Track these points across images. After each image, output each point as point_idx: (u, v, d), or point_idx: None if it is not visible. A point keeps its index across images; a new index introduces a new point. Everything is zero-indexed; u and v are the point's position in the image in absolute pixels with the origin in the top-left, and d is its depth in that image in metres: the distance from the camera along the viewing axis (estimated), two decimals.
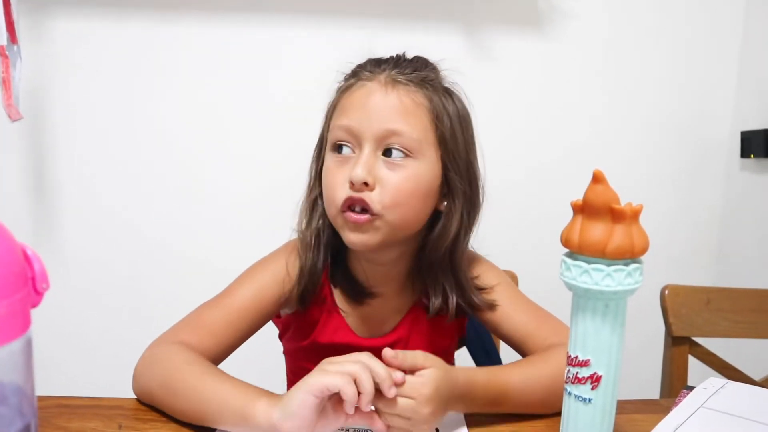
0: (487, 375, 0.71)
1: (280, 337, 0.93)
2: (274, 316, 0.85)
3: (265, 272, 0.82)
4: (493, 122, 1.58)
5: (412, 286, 0.87)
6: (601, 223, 0.53)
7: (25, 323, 0.40)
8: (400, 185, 0.75)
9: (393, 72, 0.78)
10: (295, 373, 0.93)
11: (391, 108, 0.75)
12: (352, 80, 0.80)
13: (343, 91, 0.80)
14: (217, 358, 0.78)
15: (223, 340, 0.77)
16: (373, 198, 0.74)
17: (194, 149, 1.52)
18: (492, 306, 0.84)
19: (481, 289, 0.85)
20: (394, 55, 0.82)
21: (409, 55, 0.82)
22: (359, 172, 0.73)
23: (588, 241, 0.53)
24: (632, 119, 1.62)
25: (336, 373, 0.60)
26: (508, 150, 1.58)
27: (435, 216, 0.82)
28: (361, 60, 0.83)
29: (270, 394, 0.64)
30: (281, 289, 0.82)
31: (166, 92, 1.49)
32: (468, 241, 0.84)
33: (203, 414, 0.66)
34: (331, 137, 0.78)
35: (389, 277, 0.85)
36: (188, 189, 1.53)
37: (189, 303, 0.82)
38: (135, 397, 0.74)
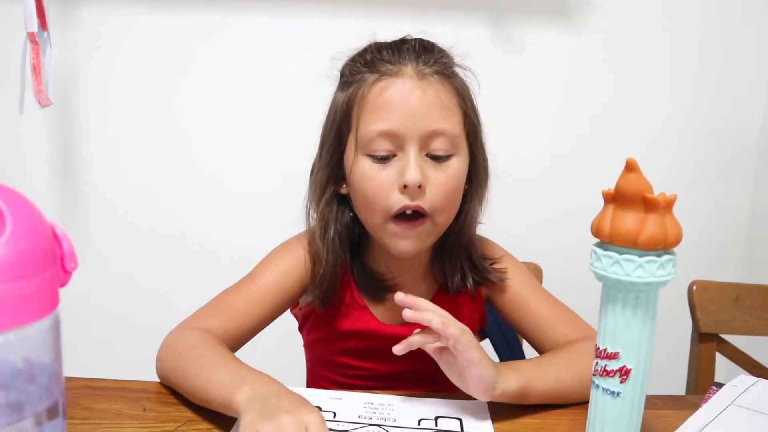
0: (518, 372, 0.70)
1: (300, 329, 0.93)
2: (296, 299, 0.84)
3: (287, 257, 0.82)
4: (519, 113, 1.56)
5: (433, 273, 0.87)
6: (634, 213, 0.52)
7: (54, 301, 0.40)
8: (448, 184, 0.74)
9: (419, 64, 0.74)
10: (316, 365, 0.93)
11: (431, 106, 0.73)
12: (370, 75, 0.75)
13: (364, 88, 0.75)
14: (239, 341, 0.78)
15: (244, 323, 0.78)
16: (425, 200, 0.73)
17: (222, 138, 1.52)
18: (503, 279, 0.85)
19: (491, 263, 0.86)
20: (409, 44, 0.77)
21: (411, 39, 0.79)
22: (416, 176, 0.71)
23: (620, 231, 0.52)
24: (661, 112, 1.59)
25: None
26: (534, 141, 1.57)
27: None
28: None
29: (254, 380, 0.62)
30: (304, 273, 0.81)
31: (195, 80, 1.50)
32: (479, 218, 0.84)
33: (198, 397, 0.66)
34: (368, 143, 0.74)
35: (410, 267, 0.85)
36: (214, 177, 1.54)
37: (211, 287, 0.82)
38: (158, 380, 0.75)
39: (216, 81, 1.50)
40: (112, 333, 1.58)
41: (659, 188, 0.53)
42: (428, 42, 0.78)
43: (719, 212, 1.66)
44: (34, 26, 1.29)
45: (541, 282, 1.09)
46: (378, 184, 0.73)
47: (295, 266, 0.81)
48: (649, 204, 0.51)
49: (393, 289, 0.83)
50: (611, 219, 0.53)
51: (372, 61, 0.76)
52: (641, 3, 1.54)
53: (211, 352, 0.69)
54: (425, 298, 0.85)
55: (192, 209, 1.55)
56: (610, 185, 0.55)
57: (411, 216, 0.74)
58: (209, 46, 1.49)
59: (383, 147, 0.73)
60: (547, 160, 1.58)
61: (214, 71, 1.50)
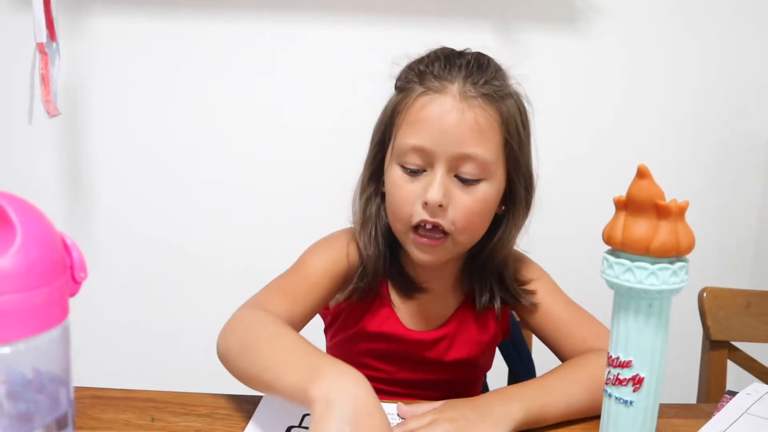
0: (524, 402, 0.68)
1: (326, 330, 0.94)
2: (339, 290, 0.84)
3: (331, 248, 0.83)
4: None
5: (462, 284, 0.87)
6: (646, 220, 0.52)
7: (64, 311, 0.40)
8: (472, 207, 0.75)
9: (466, 84, 0.74)
10: None
11: (466, 129, 0.72)
12: (419, 86, 0.75)
13: (409, 100, 0.76)
14: (302, 324, 0.78)
15: (306, 306, 0.78)
16: (446, 218, 0.74)
17: (231, 147, 1.53)
18: (533, 303, 0.84)
19: (522, 285, 0.86)
20: (464, 59, 0.76)
21: (469, 51, 0.79)
22: (437, 195, 0.72)
23: (631, 238, 0.52)
24: (669, 117, 1.58)
25: None
26: (542, 147, 1.56)
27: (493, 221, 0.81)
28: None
29: (334, 373, 0.57)
30: (346, 264, 0.82)
31: (203, 89, 1.50)
32: (516, 240, 0.84)
33: (264, 381, 0.62)
34: (401, 154, 0.75)
35: (440, 275, 0.86)
36: (222, 186, 1.54)
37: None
38: (167, 390, 0.74)
39: (225, 91, 1.50)
40: (120, 342, 1.57)
41: (667, 194, 0.52)
42: (485, 59, 0.78)
43: (728, 218, 1.64)
44: (42, 37, 1.30)
45: None
46: (404, 194, 0.75)
47: (339, 256, 0.82)
48: (661, 211, 0.51)
49: (421, 290, 0.85)
50: (623, 226, 0.53)
51: (422, 73, 0.76)
52: (647, 8, 1.54)
53: (284, 331, 0.66)
54: (452, 307, 0.87)
55: (200, 218, 1.55)
56: (619, 191, 0.54)
57: (430, 230, 0.75)
58: (218, 56, 1.49)
59: (414, 161, 0.74)
60: (554, 166, 1.57)
61: (223, 81, 1.50)
